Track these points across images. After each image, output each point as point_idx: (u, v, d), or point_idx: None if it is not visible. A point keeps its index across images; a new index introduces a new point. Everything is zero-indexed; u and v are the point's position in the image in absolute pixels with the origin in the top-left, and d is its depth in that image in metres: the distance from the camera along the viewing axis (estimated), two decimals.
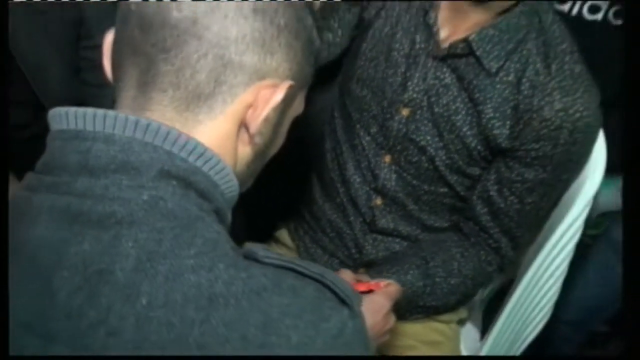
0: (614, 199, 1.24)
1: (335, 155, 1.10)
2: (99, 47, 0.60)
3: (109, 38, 0.59)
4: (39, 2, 0.92)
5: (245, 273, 0.51)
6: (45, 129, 0.56)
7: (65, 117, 0.54)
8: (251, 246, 0.56)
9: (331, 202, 1.12)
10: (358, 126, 1.05)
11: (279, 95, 0.56)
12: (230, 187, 0.58)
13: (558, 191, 0.99)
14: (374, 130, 1.03)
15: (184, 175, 0.53)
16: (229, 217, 0.60)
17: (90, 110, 0.53)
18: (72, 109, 0.54)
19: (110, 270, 0.49)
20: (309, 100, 1.22)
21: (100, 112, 0.53)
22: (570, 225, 1.00)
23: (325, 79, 1.11)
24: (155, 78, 0.54)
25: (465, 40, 0.91)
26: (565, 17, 1.25)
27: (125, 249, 0.49)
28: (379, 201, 1.06)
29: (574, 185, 1.00)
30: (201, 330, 0.48)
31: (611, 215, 1.32)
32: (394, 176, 1.04)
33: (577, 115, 0.90)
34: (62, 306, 0.49)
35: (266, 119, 0.57)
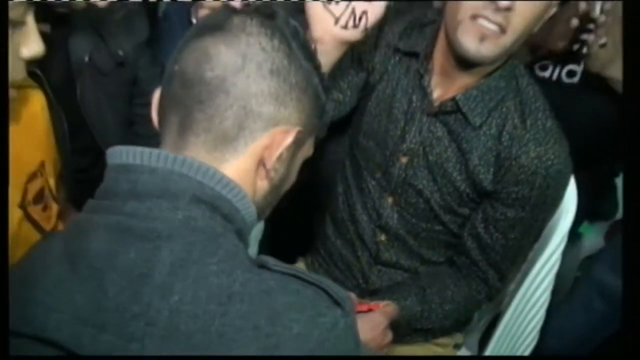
0: (598, 242, 1.38)
1: (346, 198, 1.27)
2: (149, 104, 0.75)
3: (157, 94, 0.75)
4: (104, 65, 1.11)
5: (258, 277, 0.65)
6: (102, 172, 0.70)
7: (119, 154, 0.69)
8: (264, 257, 0.69)
9: (342, 238, 1.28)
10: (365, 172, 1.22)
11: (289, 139, 0.71)
12: (249, 213, 0.72)
13: (537, 228, 1.14)
14: (378, 175, 1.20)
15: (212, 201, 0.67)
16: (248, 237, 0.74)
17: (139, 149, 0.68)
18: (125, 147, 0.69)
19: (150, 274, 0.62)
20: (324, 151, 1.40)
21: (146, 150, 0.68)
22: (549, 258, 1.14)
23: (338, 133, 1.29)
24: (191, 124, 0.69)
25: (453, 99, 1.09)
26: (546, 82, 1.42)
27: (162, 257, 0.63)
28: (383, 237, 1.22)
29: (551, 223, 1.15)
30: (221, 321, 0.61)
31: (595, 257, 1.45)
32: (395, 215, 1.20)
33: (549, 162, 1.06)
34: (111, 302, 0.62)
35: (280, 158, 0.72)
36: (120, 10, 1.14)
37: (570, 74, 1.44)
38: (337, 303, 0.67)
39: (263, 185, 0.74)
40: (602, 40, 1.28)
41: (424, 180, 1.15)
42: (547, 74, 1.44)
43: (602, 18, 1.22)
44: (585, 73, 1.37)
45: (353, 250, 1.26)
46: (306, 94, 0.73)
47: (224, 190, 0.69)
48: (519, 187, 1.08)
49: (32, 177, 0.92)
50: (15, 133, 0.88)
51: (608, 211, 1.80)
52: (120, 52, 1.16)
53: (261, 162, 0.72)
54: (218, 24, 0.71)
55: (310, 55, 0.75)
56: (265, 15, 0.73)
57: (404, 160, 1.16)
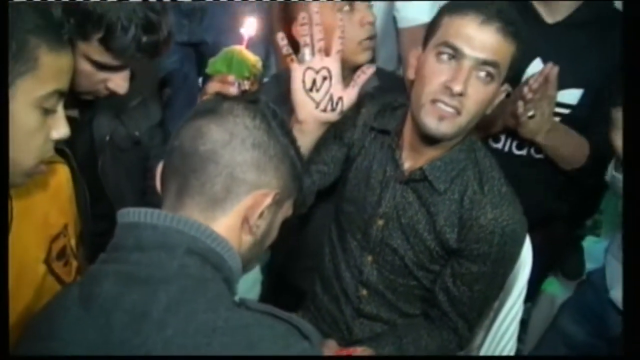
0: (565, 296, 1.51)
1: (332, 257, 1.42)
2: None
3: (160, 166, 0.92)
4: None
5: (239, 314, 0.79)
6: None
7: (127, 214, 0.85)
8: (245, 299, 0.84)
9: (329, 294, 1.43)
10: (348, 234, 1.38)
11: (269, 200, 0.87)
12: (235, 263, 0.87)
13: (499, 280, 1.28)
14: (359, 236, 1.36)
15: (203, 253, 0.82)
16: (235, 284, 0.88)
17: (143, 209, 0.84)
18: (132, 209, 0.85)
19: (149, 312, 0.77)
20: (313, 217, 1.57)
21: (149, 210, 0.84)
22: (512, 307, 1.28)
23: (324, 201, 1.46)
24: (187, 189, 0.85)
25: (420, 169, 1.26)
26: (499, 152, 1.60)
27: (160, 298, 0.77)
28: (364, 292, 1.37)
29: (511, 276, 1.29)
30: (206, 350, 0.75)
31: (561, 307, 1.58)
32: (375, 272, 1.35)
33: (505, 222, 1.22)
34: (117, 336, 0.77)
35: (261, 216, 0.87)
36: (137, 97, 1.35)
37: (519, 146, 1.61)
38: (305, 337, 0.81)
39: (247, 239, 0.89)
40: (530, 113, 1.46)
41: (398, 240, 1.30)
42: (499, 145, 1.61)
43: (530, 95, 1.40)
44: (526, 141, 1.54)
45: (338, 305, 1.40)
46: (283, 163, 0.89)
47: (214, 243, 0.84)
48: (479, 245, 1.23)
49: (56, 237, 1.08)
50: (44, 200, 1.06)
51: (573, 271, 1.93)
52: (137, 133, 1.36)
53: (245, 220, 0.87)
54: (211, 108, 0.89)
55: (287, 132, 0.92)
56: (250, 100, 0.91)
57: (380, 222, 1.32)
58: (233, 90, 1.14)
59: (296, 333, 0.81)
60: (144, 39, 1.11)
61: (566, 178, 1.57)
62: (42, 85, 0.85)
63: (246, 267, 0.93)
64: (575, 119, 1.54)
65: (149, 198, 1.41)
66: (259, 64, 1.19)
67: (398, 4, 1.64)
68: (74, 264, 1.13)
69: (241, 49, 1.18)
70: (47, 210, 1.06)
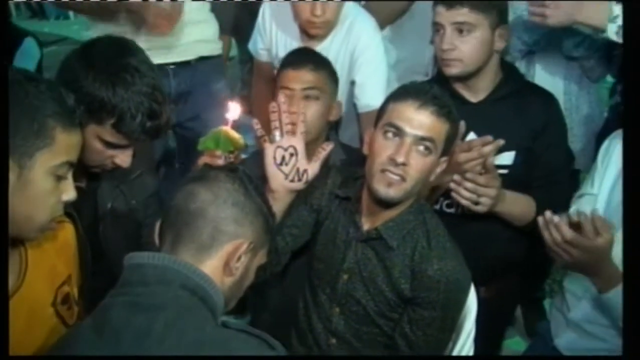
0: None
1: (305, 311, 1.60)
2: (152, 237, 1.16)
3: (158, 223, 1.16)
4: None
5: (220, 332, 1.01)
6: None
7: (134, 257, 1.08)
8: (225, 319, 1.06)
9: (303, 345, 1.59)
10: (319, 289, 1.57)
11: (244, 247, 1.10)
12: (219, 298, 1.08)
13: (449, 324, 1.46)
14: (328, 290, 1.55)
15: (193, 288, 1.04)
16: (219, 315, 1.08)
17: (147, 253, 1.07)
18: (138, 253, 1.08)
19: (151, 331, 0.98)
20: (288, 276, 1.76)
21: (152, 253, 1.07)
22: (463, 346, 1.45)
23: (298, 260, 1.66)
24: (180, 238, 1.08)
25: (376, 229, 1.47)
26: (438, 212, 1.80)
27: (159, 320, 0.99)
28: (334, 341, 1.54)
29: (460, 320, 1.47)
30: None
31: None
32: (342, 322, 1.52)
33: (449, 272, 1.41)
34: (124, 351, 0.98)
35: (239, 260, 1.10)
36: (136, 171, 1.58)
37: (449, 205, 1.83)
38: (273, 348, 1.03)
39: (228, 280, 1.12)
40: (478, 205, 1.66)
41: (360, 292, 1.49)
42: (437, 206, 1.82)
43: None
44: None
45: (311, 353, 1.57)
46: (257, 218, 1.13)
47: (202, 281, 1.06)
48: (429, 293, 1.42)
49: (62, 285, 1.27)
50: (52, 252, 1.25)
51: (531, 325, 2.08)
52: (134, 202, 1.59)
53: (227, 263, 1.10)
54: (200, 175, 1.14)
55: (260, 193, 1.17)
56: (230, 169, 1.16)
57: (345, 277, 1.51)
58: (220, 162, 1.39)
59: (265, 345, 1.02)
60: (149, 124, 1.36)
61: (508, 235, 1.78)
62: (56, 157, 1.08)
63: (228, 304, 1.13)
64: (514, 176, 1.76)
65: None
66: (242, 141, 1.44)
67: (357, 92, 1.93)
68: (76, 309, 1.31)
69: (227, 129, 1.43)
70: (55, 261, 1.26)
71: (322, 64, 1.73)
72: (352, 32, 1.92)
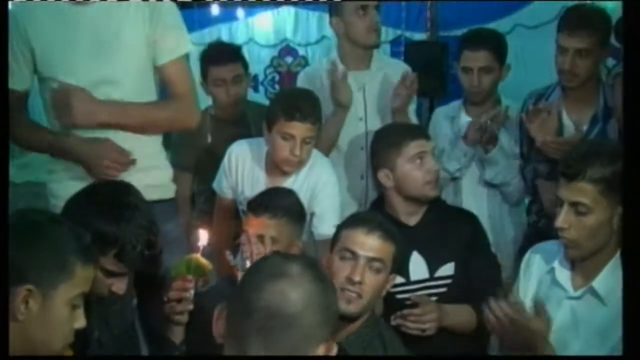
0: None
1: None
2: None
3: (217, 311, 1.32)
4: None
5: None
6: None
7: None
8: None
9: None
10: None
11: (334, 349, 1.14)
12: None
13: None
14: None
15: None
16: None
17: None
18: None
19: None
20: None
21: None
22: None
23: None
24: (273, 343, 1.04)
25: (340, 343, 1.65)
26: None
27: None
28: None
29: None
30: None
31: None
32: None
33: None
34: None
35: None
36: (118, 303, 1.75)
37: None
38: None
39: None
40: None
41: None
42: None
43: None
44: None
45: None
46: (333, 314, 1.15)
47: None
48: None
49: None
50: None
51: None
52: (116, 332, 1.74)
53: None
54: (280, 271, 1.10)
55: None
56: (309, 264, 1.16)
57: None
58: (191, 286, 1.59)
59: None
60: (147, 252, 1.57)
61: None
62: (75, 289, 1.27)
63: None
64: (457, 284, 2.02)
65: None
66: (210, 266, 1.67)
67: (315, 223, 2.18)
68: None
69: (197, 256, 1.65)
70: None
71: (284, 209, 1.92)
72: (314, 170, 2.20)
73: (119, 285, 1.60)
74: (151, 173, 2.05)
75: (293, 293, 1.07)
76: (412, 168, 2.04)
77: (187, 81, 2.05)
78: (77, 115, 1.86)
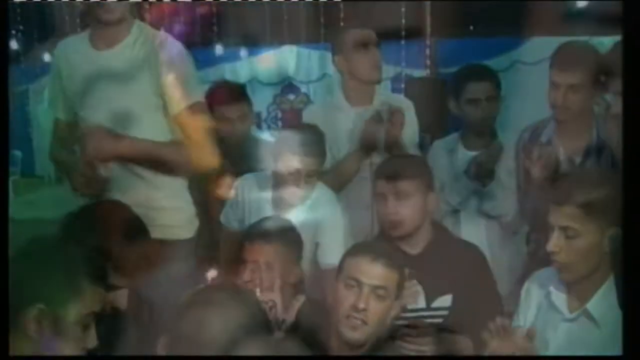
0: None
1: None
2: None
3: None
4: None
5: None
6: None
7: None
8: None
9: None
10: None
11: None
12: None
13: None
14: None
15: None
16: None
17: None
18: None
19: None
20: None
21: None
22: None
23: None
24: None
25: None
26: None
27: None
28: None
29: None
30: None
31: None
32: None
33: None
34: None
35: None
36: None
37: None
38: None
39: None
40: None
41: None
42: None
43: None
44: None
45: None
46: None
47: None
48: None
49: None
50: None
51: None
52: None
53: None
54: None
55: None
56: None
57: None
58: None
59: None
60: None
61: None
62: (85, 308, 1.32)
63: None
64: (453, 315, 2.04)
65: None
66: None
67: (320, 252, 2.26)
68: None
69: None
70: None
71: (276, 234, 2.00)
72: (318, 202, 2.29)
73: (120, 300, 1.67)
74: (168, 212, 2.13)
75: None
76: None
77: (201, 128, 2.13)
78: (90, 149, 1.97)
